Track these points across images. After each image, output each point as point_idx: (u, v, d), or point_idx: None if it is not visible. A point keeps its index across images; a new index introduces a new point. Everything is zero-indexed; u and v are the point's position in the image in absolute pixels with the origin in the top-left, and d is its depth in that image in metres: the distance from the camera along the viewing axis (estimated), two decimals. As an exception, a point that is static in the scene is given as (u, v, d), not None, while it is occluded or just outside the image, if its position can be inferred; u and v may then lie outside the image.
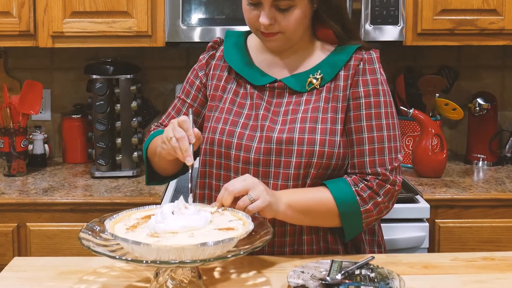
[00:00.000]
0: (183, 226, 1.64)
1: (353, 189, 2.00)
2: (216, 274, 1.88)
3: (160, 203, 2.81)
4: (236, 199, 1.85)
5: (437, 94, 3.46)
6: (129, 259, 1.57)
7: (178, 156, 1.86)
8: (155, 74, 3.72)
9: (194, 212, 1.68)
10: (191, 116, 1.92)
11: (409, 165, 3.43)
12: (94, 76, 3.30)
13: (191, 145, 1.85)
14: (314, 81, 2.08)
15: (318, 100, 2.06)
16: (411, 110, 3.28)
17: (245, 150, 2.03)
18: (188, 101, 2.21)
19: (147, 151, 2.18)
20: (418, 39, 3.24)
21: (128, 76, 3.32)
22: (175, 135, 1.86)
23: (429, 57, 3.71)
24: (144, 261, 1.55)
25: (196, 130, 1.88)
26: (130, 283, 1.82)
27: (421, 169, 3.28)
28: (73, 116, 3.62)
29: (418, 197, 2.93)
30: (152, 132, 2.23)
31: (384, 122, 2.04)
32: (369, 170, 2.02)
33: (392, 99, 2.08)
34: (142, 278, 1.85)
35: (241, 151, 2.04)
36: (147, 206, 1.85)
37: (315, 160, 2.00)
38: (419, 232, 2.85)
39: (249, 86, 2.13)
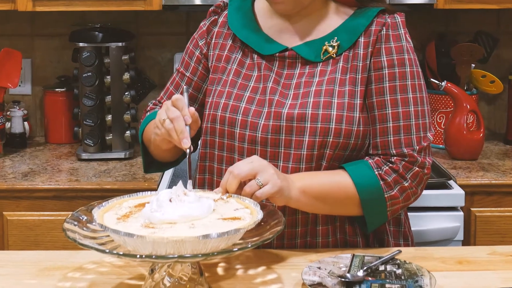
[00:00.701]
0: (182, 215, 1.64)
1: (376, 172, 2.00)
2: (220, 271, 1.88)
3: (156, 190, 2.82)
4: (242, 184, 1.85)
5: (473, 65, 3.45)
6: (121, 253, 1.57)
7: (173, 139, 1.86)
8: (151, 41, 3.72)
9: (195, 199, 1.68)
10: (186, 94, 1.91)
11: (440, 145, 3.43)
12: (81, 44, 3.31)
13: (188, 126, 1.85)
14: (330, 49, 2.07)
15: (334, 71, 2.05)
16: (443, 83, 3.27)
17: (251, 128, 2.03)
18: (187, 75, 2.21)
19: (142, 135, 2.18)
20: (451, 1, 3.23)
21: (120, 44, 3.32)
22: (169, 116, 1.85)
23: (464, 22, 3.69)
24: (138, 256, 1.55)
25: (192, 109, 1.87)
26: (121, 281, 1.82)
27: (455, 150, 3.28)
28: (57, 89, 3.62)
29: (451, 182, 2.94)
30: (148, 113, 2.23)
31: (411, 95, 2.03)
32: (394, 151, 2.02)
33: (420, 70, 2.08)
34: (135, 275, 1.85)
35: (247, 129, 2.04)
36: (141, 193, 1.85)
37: (331, 139, 1.99)
38: (452, 222, 2.85)
39: (256, 55, 2.12)
